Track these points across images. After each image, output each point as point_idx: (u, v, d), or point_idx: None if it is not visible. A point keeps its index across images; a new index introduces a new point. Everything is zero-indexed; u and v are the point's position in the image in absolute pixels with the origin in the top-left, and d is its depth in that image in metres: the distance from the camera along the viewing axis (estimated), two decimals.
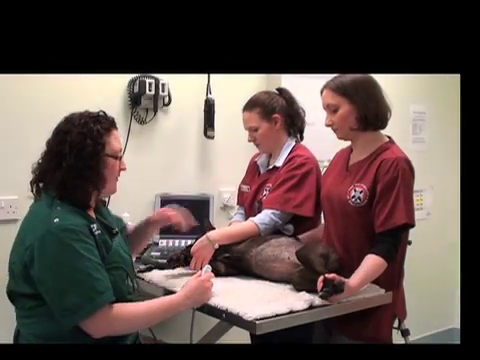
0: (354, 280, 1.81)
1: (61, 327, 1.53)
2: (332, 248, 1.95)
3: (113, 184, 1.72)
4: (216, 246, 2.07)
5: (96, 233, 1.60)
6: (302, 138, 2.37)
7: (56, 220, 1.54)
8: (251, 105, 2.29)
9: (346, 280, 1.77)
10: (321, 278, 1.73)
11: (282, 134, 2.31)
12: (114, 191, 1.75)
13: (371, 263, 1.85)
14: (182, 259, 2.06)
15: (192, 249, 2.07)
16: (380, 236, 1.90)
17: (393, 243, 1.89)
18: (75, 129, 1.62)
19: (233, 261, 2.07)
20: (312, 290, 1.77)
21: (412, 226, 1.92)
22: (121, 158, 1.72)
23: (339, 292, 1.72)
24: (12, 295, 1.63)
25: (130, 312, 1.60)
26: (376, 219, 1.90)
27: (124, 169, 1.74)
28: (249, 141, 2.32)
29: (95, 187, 1.64)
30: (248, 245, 2.07)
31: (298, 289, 1.84)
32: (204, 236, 2.09)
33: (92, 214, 1.69)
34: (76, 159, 1.60)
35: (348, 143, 2.12)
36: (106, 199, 1.91)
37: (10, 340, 1.70)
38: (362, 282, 1.83)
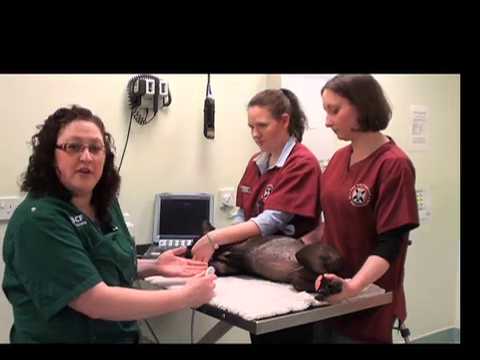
0: (355, 281, 1.81)
1: (52, 327, 1.53)
2: (334, 248, 1.95)
3: (72, 178, 1.62)
4: (216, 246, 2.07)
5: (77, 223, 1.60)
6: (301, 139, 2.38)
7: (33, 209, 1.56)
8: (261, 101, 2.27)
9: (345, 281, 1.76)
10: (319, 278, 1.73)
11: (286, 134, 2.31)
12: (80, 187, 1.65)
13: (373, 264, 1.85)
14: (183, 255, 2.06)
15: (193, 249, 2.07)
16: (382, 236, 1.89)
17: (395, 243, 1.89)
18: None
19: (234, 259, 2.07)
20: (312, 290, 1.76)
21: (416, 225, 1.92)
22: (78, 149, 1.62)
23: (336, 292, 1.72)
24: (4, 289, 1.65)
25: (127, 297, 1.60)
26: (379, 219, 1.90)
27: (86, 161, 1.62)
28: (254, 137, 2.30)
29: (56, 179, 1.62)
30: (249, 244, 2.08)
31: (298, 289, 1.84)
32: (205, 236, 2.09)
33: (84, 206, 1.68)
34: (34, 153, 1.66)
35: (347, 143, 2.12)
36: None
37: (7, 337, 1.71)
38: (363, 284, 1.83)
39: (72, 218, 1.60)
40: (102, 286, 1.56)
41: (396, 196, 1.88)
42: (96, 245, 1.63)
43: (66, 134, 1.63)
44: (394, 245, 1.89)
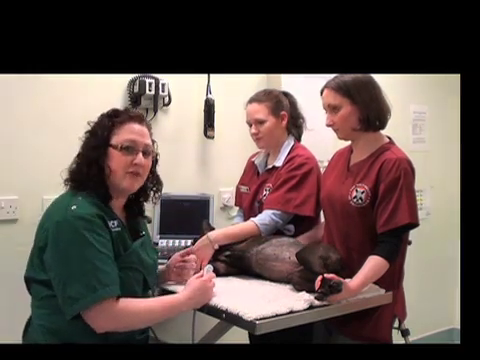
0: (355, 281, 1.81)
1: (69, 322, 1.54)
2: (334, 248, 1.95)
3: (123, 179, 1.66)
4: (216, 246, 2.07)
5: (113, 229, 1.61)
6: (299, 140, 2.38)
7: (73, 207, 1.57)
8: (260, 98, 2.28)
9: (345, 281, 1.76)
10: (319, 278, 1.73)
11: (284, 133, 2.32)
12: (128, 188, 1.68)
13: (373, 264, 1.85)
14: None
15: (193, 249, 2.07)
16: (382, 236, 1.89)
17: (395, 243, 1.89)
18: (93, 123, 1.70)
19: (234, 259, 2.07)
20: (312, 290, 1.76)
21: (416, 225, 1.92)
22: (133, 152, 1.66)
23: (336, 292, 1.72)
24: (28, 281, 1.66)
25: (132, 309, 1.60)
26: (379, 219, 1.90)
27: (138, 164, 1.66)
28: (252, 134, 2.30)
29: (102, 178, 1.64)
30: (249, 244, 2.08)
31: (298, 289, 1.84)
32: (205, 236, 2.09)
33: (118, 210, 1.70)
34: (84, 149, 1.67)
35: (346, 143, 2.12)
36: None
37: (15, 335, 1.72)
38: (363, 284, 1.83)
39: (109, 222, 1.61)
40: (115, 300, 1.56)
41: (396, 196, 1.88)
42: (126, 252, 1.64)
43: (122, 135, 1.66)
44: (394, 245, 1.89)
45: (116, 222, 1.64)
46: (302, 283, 1.85)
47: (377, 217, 1.91)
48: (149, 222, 1.84)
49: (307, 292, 1.78)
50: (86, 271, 1.52)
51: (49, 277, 1.56)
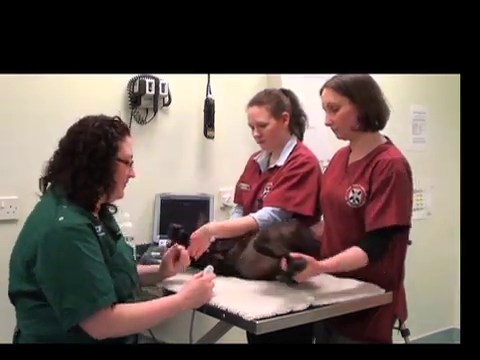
0: (326, 261, 1.81)
1: (61, 329, 1.52)
2: (284, 225, 1.94)
3: (121, 189, 1.73)
4: (212, 239, 2.06)
5: (100, 234, 1.60)
6: (302, 138, 2.38)
7: (61, 218, 1.54)
8: (260, 101, 2.27)
9: (312, 258, 1.75)
10: (284, 261, 1.72)
11: (286, 132, 2.31)
12: (121, 196, 1.75)
13: (352, 254, 1.85)
14: (181, 234, 2.03)
15: (192, 235, 2.04)
16: (369, 235, 1.89)
17: (382, 244, 1.88)
18: (89, 130, 1.64)
19: (225, 269, 2.03)
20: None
21: (406, 227, 1.92)
22: (131, 164, 1.73)
23: (301, 270, 1.72)
24: (13, 295, 1.63)
25: (131, 314, 1.59)
26: (366, 217, 1.90)
27: (132, 176, 1.74)
28: (255, 137, 2.30)
29: (104, 190, 1.65)
30: (236, 252, 2.04)
31: (280, 280, 1.85)
32: (203, 226, 2.07)
33: (96, 214, 1.70)
34: (89, 159, 1.62)
35: (347, 143, 2.12)
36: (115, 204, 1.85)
37: (9, 340, 1.70)
38: (334, 265, 1.82)
39: (95, 229, 1.60)
40: (110, 308, 1.55)
41: (385, 196, 1.87)
42: (113, 256, 1.64)
43: (125, 149, 1.69)
44: (380, 245, 1.88)
45: (100, 227, 1.63)
46: (282, 273, 1.82)
47: (366, 216, 1.91)
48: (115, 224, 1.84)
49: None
50: (83, 281, 1.51)
51: (39, 288, 1.54)
